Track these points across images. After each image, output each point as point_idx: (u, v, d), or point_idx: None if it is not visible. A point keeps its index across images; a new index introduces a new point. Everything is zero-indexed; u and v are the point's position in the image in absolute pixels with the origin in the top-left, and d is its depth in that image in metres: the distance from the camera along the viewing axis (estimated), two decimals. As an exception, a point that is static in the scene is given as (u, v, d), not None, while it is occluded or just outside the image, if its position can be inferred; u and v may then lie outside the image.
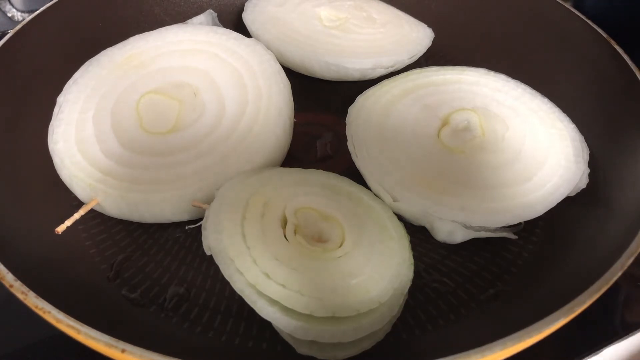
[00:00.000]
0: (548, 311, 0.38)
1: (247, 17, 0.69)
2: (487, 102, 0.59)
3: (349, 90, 0.66)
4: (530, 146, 0.55)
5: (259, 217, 0.45)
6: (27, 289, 0.39)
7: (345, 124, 0.58)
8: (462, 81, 0.62)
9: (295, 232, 0.46)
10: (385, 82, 0.62)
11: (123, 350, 0.35)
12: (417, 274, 0.50)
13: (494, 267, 0.51)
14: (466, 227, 0.50)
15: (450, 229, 0.50)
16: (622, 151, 0.53)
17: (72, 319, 0.37)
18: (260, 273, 0.41)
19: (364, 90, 0.63)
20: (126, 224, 0.53)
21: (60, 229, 0.49)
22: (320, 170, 0.53)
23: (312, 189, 0.50)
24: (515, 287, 0.49)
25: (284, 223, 0.46)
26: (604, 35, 0.59)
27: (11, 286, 0.39)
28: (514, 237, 0.51)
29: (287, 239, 0.45)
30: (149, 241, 0.53)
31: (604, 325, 0.52)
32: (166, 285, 0.49)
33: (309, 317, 0.40)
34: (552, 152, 0.55)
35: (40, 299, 0.38)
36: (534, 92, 0.61)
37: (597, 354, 0.50)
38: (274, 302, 0.41)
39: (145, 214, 0.51)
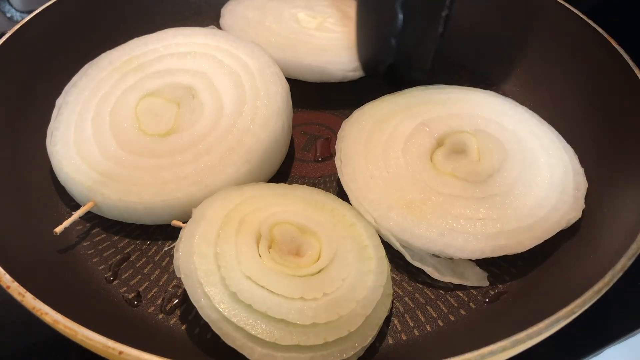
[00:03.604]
0: (549, 313, 0.38)
1: (225, 23, 0.69)
2: (489, 125, 0.56)
3: (350, 90, 0.66)
4: (527, 176, 0.52)
5: (233, 235, 0.44)
6: (25, 290, 0.39)
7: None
8: (466, 100, 0.58)
9: (269, 248, 0.45)
10: (387, 96, 0.59)
11: (120, 352, 0.35)
12: (415, 274, 0.50)
13: (493, 268, 0.50)
14: (438, 268, 0.48)
15: (422, 263, 0.48)
16: (622, 151, 0.53)
17: (69, 320, 0.37)
18: (226, 297, 0.41)
19: (364, 91, 0.62)
20: (124, 225, 0.53)
21: (58, 229, 0.49)
22: (304, 186, 0.52)
23: (293, 204, 0.49)
24: (515, 289, 0.49)
25: (260, 239, 0.45)
26: (605, 35, 0.59)
27: (8, 287, 0.39)
28: (486, 284, 0.49)
29: (260, 256, 0.44)
30: (148, 242, 0.52)
31: (604, 326, 0.52)
32: (164, 286, 0.49)
33: (274, 345, 0.40)
34: (551, 183, 0.52)
35: (37, 300, 0.38)
36: (541, 120, 0.58)
37: (597, 354, 0.50)
38: (239, 328, 0.40)
39: (143, 215, 0.51)
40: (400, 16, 0.54)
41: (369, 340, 0.42)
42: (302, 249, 0.46)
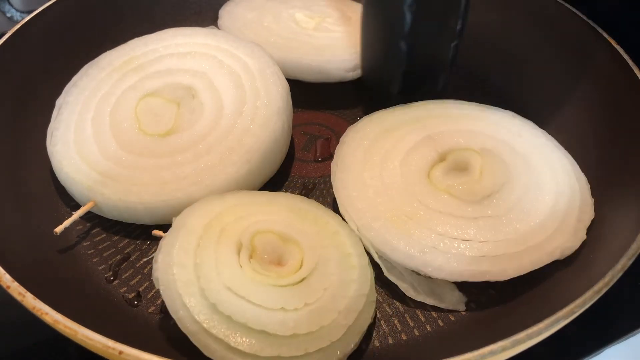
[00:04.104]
0: (548, 313, 0.38)
1: (223, 24, 0.69)
2: (499, 146, 0.54)
3: (350, 90, 0.66)
4: (527, 202, 0.49)
5: (213, 244, 0.44)
6: (25, 290, 0.39)
7: (344, 124, 0.57)
8: (480, 118, 0.56)
9: (250, 258, 0.44)
10: (399, 107, 0.58)
11: (120, 352, 0.35)
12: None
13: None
14: (415, 286, 0.47)
15: (397, 278, 0.47)
16: (622, 152, 0.53)
17: (70, 320, 0.37)
18: (206, 308, 0.40)
19: (364, 91, 0.62)
20: (124, 225, 0.53)
21: (59, 229, 0.49)
22: (287, 194, 0.51)
23: (276, 212, 0.48)
24: (515, 289, 0.49)
25: (241, 249, 0.45)
26: (605, 35, 0.59)
27: (8, 287, 0.39)
28: (462, 308, 0.47)
29: (241, 266, 0.43)
30: (148, 242, 0.52)
31: (604, 326, 0.52)
32: (165, 286, 0.49)
33: (255, 356, 0.39)
34: (552, 212, 0.49)
35: (37, 300, 0.38)
36: (559, 145, 0.55)
37: (597, 354, 0.50)
38: (218, 340, 0.39)
39: (143, 215, 0.51)
40: (409, 17, 0.52)
41: (351, 347, 0.41)
42: (284, 258, 0.45)
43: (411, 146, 0.53)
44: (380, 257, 0.47)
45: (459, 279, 0.46)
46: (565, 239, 0.48)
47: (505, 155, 0.53)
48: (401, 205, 0.49)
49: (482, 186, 0.50)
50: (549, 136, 0.56)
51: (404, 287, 0.47)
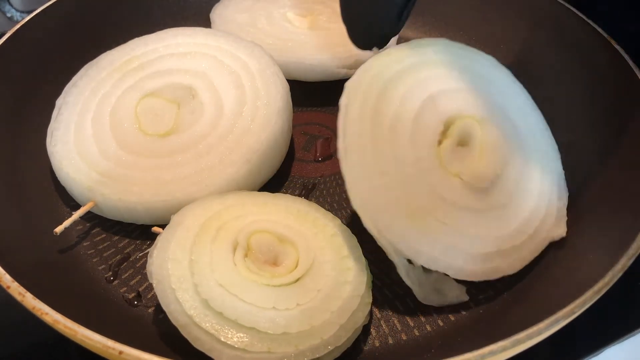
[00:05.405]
0: (548, 313, 0.38)
1: (217, 29, 0.68)
2: (495, 112, 0.49)
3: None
4: (522, 189, 0.48)
5: (209, 242, 0.44)
6: (25, 290, 0.39)
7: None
8: (483, 76, 0.51)
9: (245, 257, 0.45)
10: (397, 47, 0.49)
11: (120, 352, 0.35)
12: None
13: (493, 267, 0.50)
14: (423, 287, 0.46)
15: (413, 280, 0.45)
16: (620, 149, 0.53)
17: (69, 320, 0.37)
18: (198, 303, 0.41)
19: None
20: (124, 225, 0.53)
21: (59, 229, 0.49)
22: (287, 195, 0.52)
23: (274, 213, 0.48)
24: (515, 289, 0.49)
25: (236, 247, 0.45)
26: (605, 35, 0.59)
27: (8, 287, 0.39)
28: (466, 298, 0.47)
29: (235, 264, 0.44)
30: (148, 242, 0.52)
31: (604, 326, 0.52)
32: (165, 286, 0.49)
33: (244, 350, 0.39)
34: (540, 192, 0.48)
35: (37, 300, 0.38)
36: (535, 105, 0.54)
37: (597, 354, 0.50)
38: (208, 334, 0.40)
39: (143, 215, 0.51)
40: None
41: (342, 340, 0.41)
42: (280, 259, 0.45)
43: (418, 112, 0.47)
44: (399, 259, 0.44)
45: (475, 279, 0.45)
46: (552, 222, 0.47)
47: (504, 125, 0.49)
48: (418, 199, 0.44)
49: (485, 168, 0.47)
50: (525, 91, 0.54)
51: (416, 290, 0.46)
